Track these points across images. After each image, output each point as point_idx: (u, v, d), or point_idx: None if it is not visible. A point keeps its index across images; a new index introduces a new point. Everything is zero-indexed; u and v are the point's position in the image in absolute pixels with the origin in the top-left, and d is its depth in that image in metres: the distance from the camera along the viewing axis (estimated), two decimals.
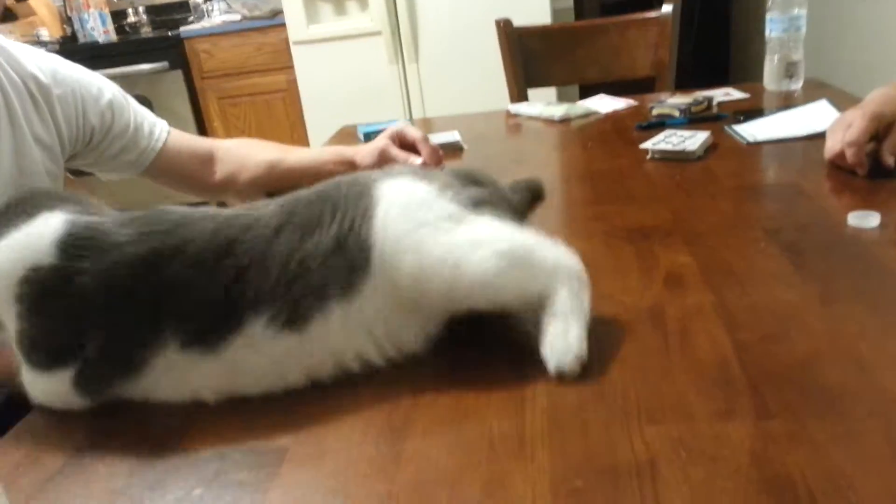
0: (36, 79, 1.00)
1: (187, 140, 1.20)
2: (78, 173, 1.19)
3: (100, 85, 1.08)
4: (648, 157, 1.16)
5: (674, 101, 1.39)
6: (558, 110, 1.51)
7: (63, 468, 0.59)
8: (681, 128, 1.26)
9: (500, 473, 0.51)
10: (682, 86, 1.78)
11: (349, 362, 0.65)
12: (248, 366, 0.63)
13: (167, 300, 0.62)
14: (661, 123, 1.33)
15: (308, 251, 0.63)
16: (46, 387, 0.65)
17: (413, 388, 0.63)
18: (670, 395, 0.57)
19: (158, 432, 0.62)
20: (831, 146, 1.00)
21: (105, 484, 0.56)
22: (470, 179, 0.71)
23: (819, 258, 0.77)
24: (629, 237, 0.88)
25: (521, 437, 0.54)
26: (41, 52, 1.05)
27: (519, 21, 1.98)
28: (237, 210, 0.69)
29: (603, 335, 0.66)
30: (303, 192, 0.69)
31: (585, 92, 1.88)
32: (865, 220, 0.82)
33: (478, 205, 0.66)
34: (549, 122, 1.51)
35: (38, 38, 3.36)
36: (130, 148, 1.11)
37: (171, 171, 1.18)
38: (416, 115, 2.88)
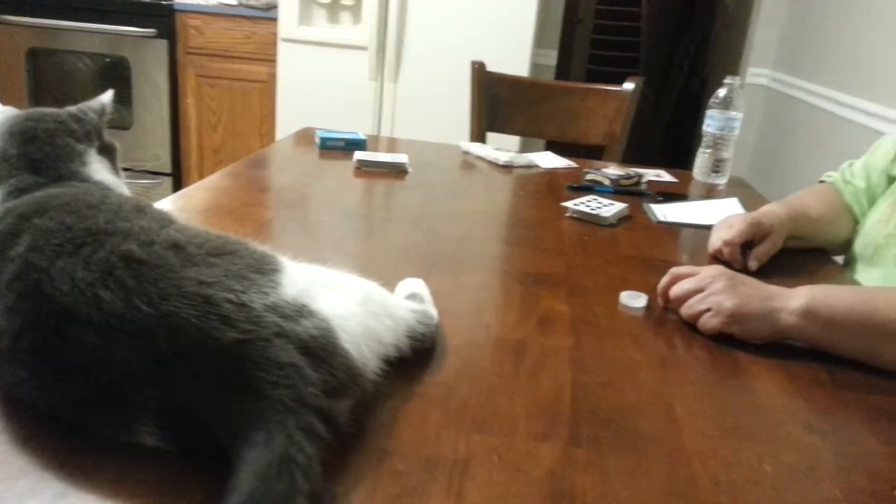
0: None
1: None
2: None
3: None
4: (567, 214, 1.27)
5: (608, 171, 1.50)
6: (503, 156, 1.62)
7: None
8: (606, 196, 1.37)
9: (340, 452, 0.58)
10: (635, 159, 1.91)
11: None
12: None
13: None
14: (590, 188, 1.45)
15: None
16: None
17: None
18: (503, 413, 0.66)
19: None
20: (713, 242, 1.11)
21: None
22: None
23: (676, 328, 0.88)
24: (522, 279, 0.98)
25: (366, 425, 0.62)
26: None
27: (497, 65, 2.10)
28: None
29: (467, 356, 0.74)
30: None
31: (550, 148, 2.00)
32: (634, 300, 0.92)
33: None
34: (493, 164, 1.62)
35: None
36: None
37: None
38: (385, 132, 2.97)
